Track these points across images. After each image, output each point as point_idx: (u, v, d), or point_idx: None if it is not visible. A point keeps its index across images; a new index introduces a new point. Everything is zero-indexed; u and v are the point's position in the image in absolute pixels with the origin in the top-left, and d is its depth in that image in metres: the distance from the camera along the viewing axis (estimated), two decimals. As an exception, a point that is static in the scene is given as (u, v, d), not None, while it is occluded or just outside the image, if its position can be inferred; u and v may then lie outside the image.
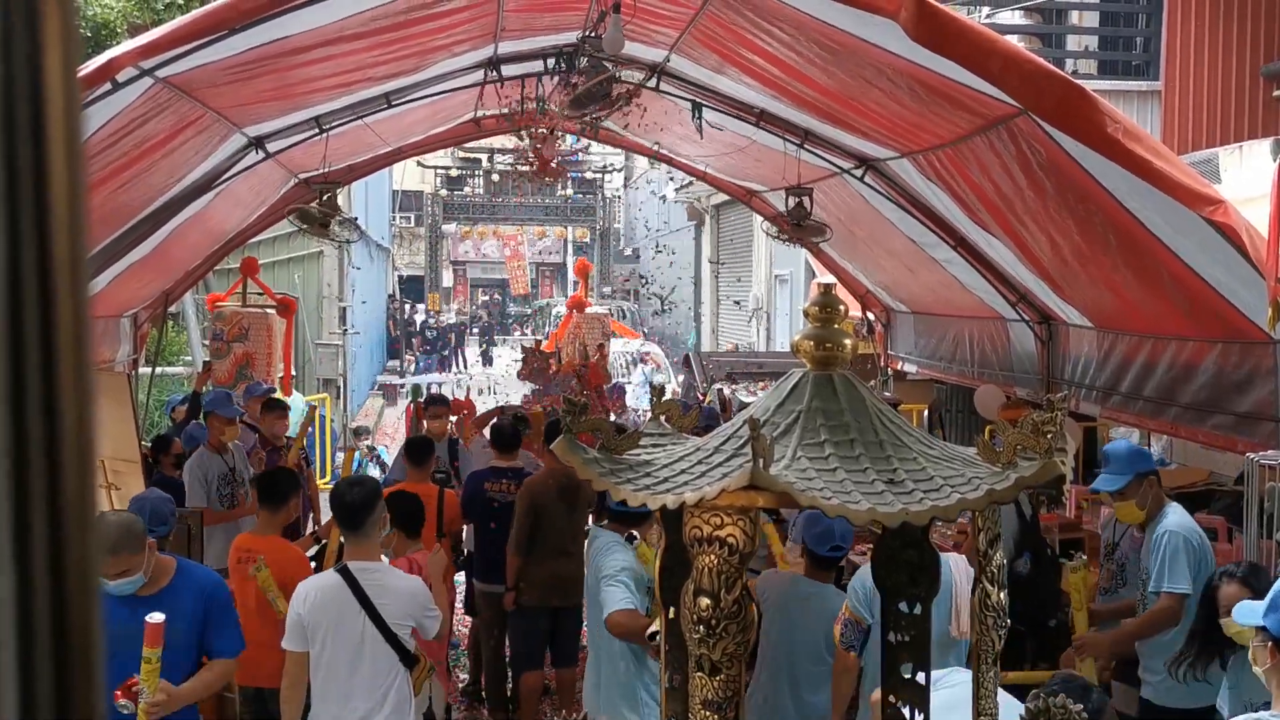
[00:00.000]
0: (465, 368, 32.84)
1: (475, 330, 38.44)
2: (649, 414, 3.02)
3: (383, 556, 5.22)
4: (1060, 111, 4.52)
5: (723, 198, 19.79)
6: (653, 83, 7.85)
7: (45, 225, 0.54)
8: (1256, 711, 3.29)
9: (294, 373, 13.95)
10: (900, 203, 7.94)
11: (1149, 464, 5.31)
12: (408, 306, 34.87)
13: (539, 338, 20.28)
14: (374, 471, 13.25)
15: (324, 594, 4.44)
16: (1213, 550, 5.21)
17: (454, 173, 38.41)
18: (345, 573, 4.45)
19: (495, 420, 8.27)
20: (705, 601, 2.31)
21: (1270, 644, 3.11)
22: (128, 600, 4.00)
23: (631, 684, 4.97)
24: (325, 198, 8.32)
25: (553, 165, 8.98)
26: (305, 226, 8.29)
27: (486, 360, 34.03)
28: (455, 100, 8.77)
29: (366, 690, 4.39)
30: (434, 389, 16.80)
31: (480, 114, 9.59)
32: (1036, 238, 6.46)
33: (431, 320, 34.89)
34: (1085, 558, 5.24)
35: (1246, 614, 3.27)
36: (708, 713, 2.37)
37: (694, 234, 27.85)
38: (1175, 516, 5.16)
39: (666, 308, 26.97)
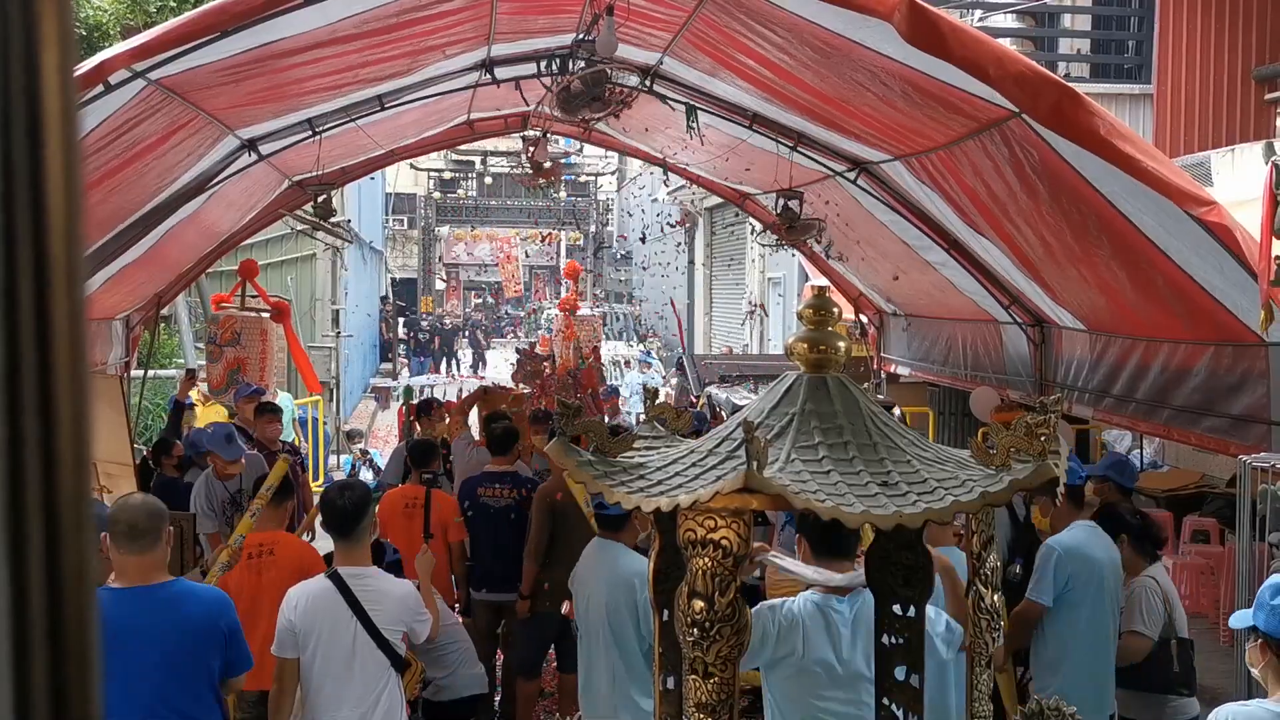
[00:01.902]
0: (459, 370, 32.79)
1: (465, 335, 38.18)
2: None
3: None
4: (1053, 114, 4.53)
5: (715, 200, 19.82)
6: (646, 85, 7.85)
7: (41, 226, 0.54)
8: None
9: (282, 376, 13.94)
10: (893, 205, 7.95)
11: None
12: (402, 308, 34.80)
13: (532, 340, 20.30)
14: (366, 475, 13.23)
15: (315, 600, 4.42)
16: (1111, 571, 5.15)
17: (447, 175, 38.41)
18: (336, 578, 4.44)
19: (489, 425, 8.20)
20: (699, 604, 2.31)
21: (1261, 641, 3.13)
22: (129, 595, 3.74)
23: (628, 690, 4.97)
24: (320, 200, 8.32)
25: (546, 167, 8.99)
26: (303, 228, 8.28)
27: (480, 363, 33.94)
28: (449, 103, 8.76)
29: (358, 696, 4.38)
30: (426, 392, 16.81)
31: (473, 117, 9.60)
32: (1029, 240, 6.47)
33: (425, 323, 34.83)
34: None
35: (1240, 619, 3.29)
36: (702, 715, 2.37)
37: (687, 237, 27.88)
38: (1066, 534, 5.21)
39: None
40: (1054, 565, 5.09)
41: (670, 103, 7.90)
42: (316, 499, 7.73)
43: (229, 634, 3.97)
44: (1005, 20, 12.18)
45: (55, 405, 0.54)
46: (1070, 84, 4.72)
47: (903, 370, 11.09)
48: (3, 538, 0.53)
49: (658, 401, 3.02)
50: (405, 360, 32.08)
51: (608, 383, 15.01)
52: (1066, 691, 4.90)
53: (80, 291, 0.55)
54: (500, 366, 28.58)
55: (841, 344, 2.65)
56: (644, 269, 29.72)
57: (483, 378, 28.07)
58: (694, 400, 13.58)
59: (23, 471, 0.53)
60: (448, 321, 36.10)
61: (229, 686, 4.12)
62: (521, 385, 11.84)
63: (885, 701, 2.82)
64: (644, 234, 26.21)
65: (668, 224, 27.44)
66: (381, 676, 4.43)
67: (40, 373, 0.54)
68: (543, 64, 7.78)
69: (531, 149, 9.14)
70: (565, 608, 6.24)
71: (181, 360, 15.10)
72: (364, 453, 15.35)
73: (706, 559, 2.31)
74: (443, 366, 32.69)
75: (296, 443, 12.86)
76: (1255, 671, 3.23)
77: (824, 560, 3.86)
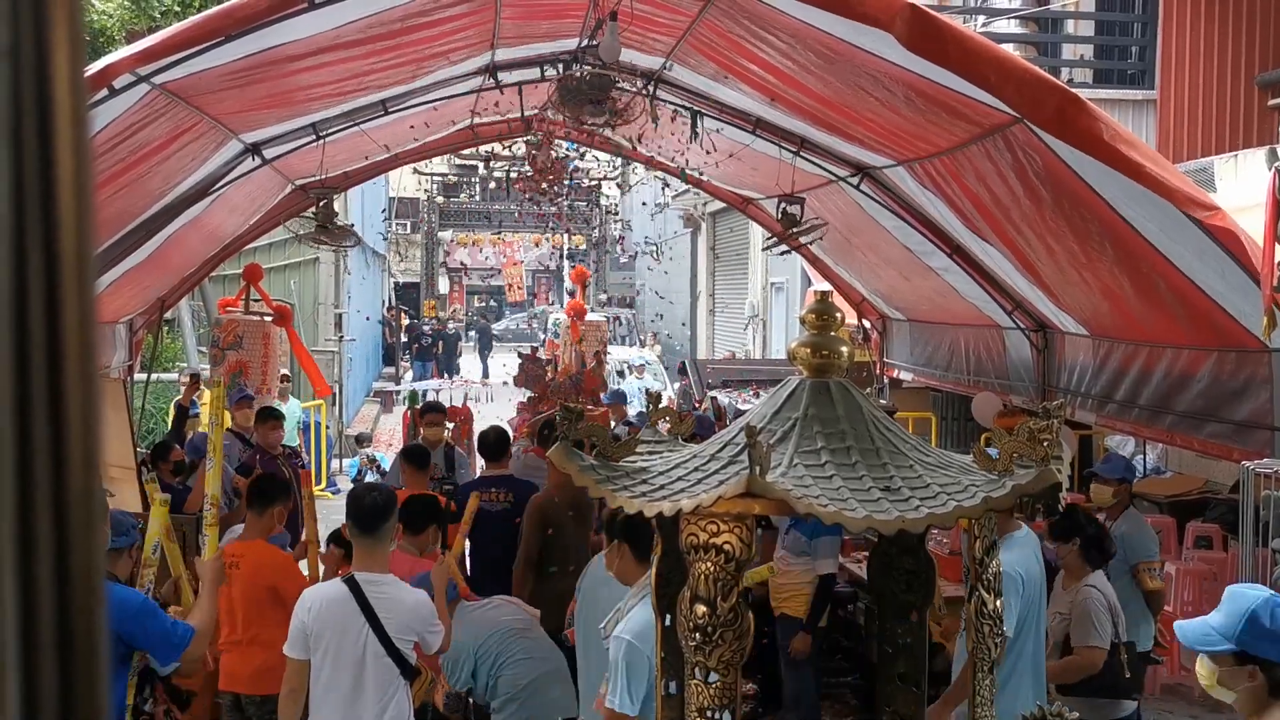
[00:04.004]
0: (459, 374, 32.70)
1: (467, 340, 37.88)
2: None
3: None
4: (1056, 119, 4.53)
5: (719, 205, 19.82)
6: (649, 92, 7.86)
7: (52, 226, 0.54)
8: None
9: (290, 378, 13.95)
10: (896, 211, 7.95)
11: None
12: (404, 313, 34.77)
13: (535, 344, 20.31)
14: (371, 479, 13.23)
15: (329, 604, 4.43)
16: (1042, 581, 5.02)
17: (451, 179, 38.39)
18: (351, 583, 4.44)
19: (483, 434, 8.12)
20: (702, 609, 2.31)
21: (1252, 667, 3.01)
22: None
23: None
24: (322, 204, 8.33)
25: (548, 170, 8.99)
26: (315, 238, 8.27)
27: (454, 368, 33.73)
28: (452, 107, 8.78)
29: (367, 702, 4.38)
30: (430, 396, 16.81)
31: (477, 121, 9.61)
32: (1033, 246, 6.47)
33: (427, 327, 34.78)
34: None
35: (1203, 638, 3.09)
36: None
37: (690, 241, 27.87)
38: (1014, 555, 4.88)
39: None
40: (1014, 590, 4.73)
41: (674, 108, 7.90)
42: (317, 503, 7.76)
43: (131, 636, 4.03)
44: (1008, 26, 12.19)
45: (65, 404, 0.54)
46: (1073, 89, 4.73)
47: (905, 375, 11.08)
48: (12, 537, 0.54)
49: (660, 406, 3.03)
50: (408, 365, 32.06)
51: (613, 387, 14.99)
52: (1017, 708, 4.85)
53: (90, 292, 0.56)
54: (498, 372, 28.52)
55: (844, 349, 2.66)
56: (649, 270, 29.62)
57: (487, 382, 28.06)
58: (696, 403, 13.57)
59: (32, 470, 0.54)
60: (451, 326, 36.02)
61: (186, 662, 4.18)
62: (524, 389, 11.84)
63: (887, 707, 2.82)
64: (656, 246, 25.72)
65: (675, 231, 27.31)
66: (391, 684, 4.43)
67: (50, 372, 0.54)
68: (546, 69, 7.80)
69: (534, 153, 9.15)
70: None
71: (184, 364, 15.11)
72: (371, 458, 15.30)
73: (709, 564, 2.31)
74: (447, 372, 32.62)
75: (299, 447, 12.86)
76: (1227, 693, 3.09)
77: None
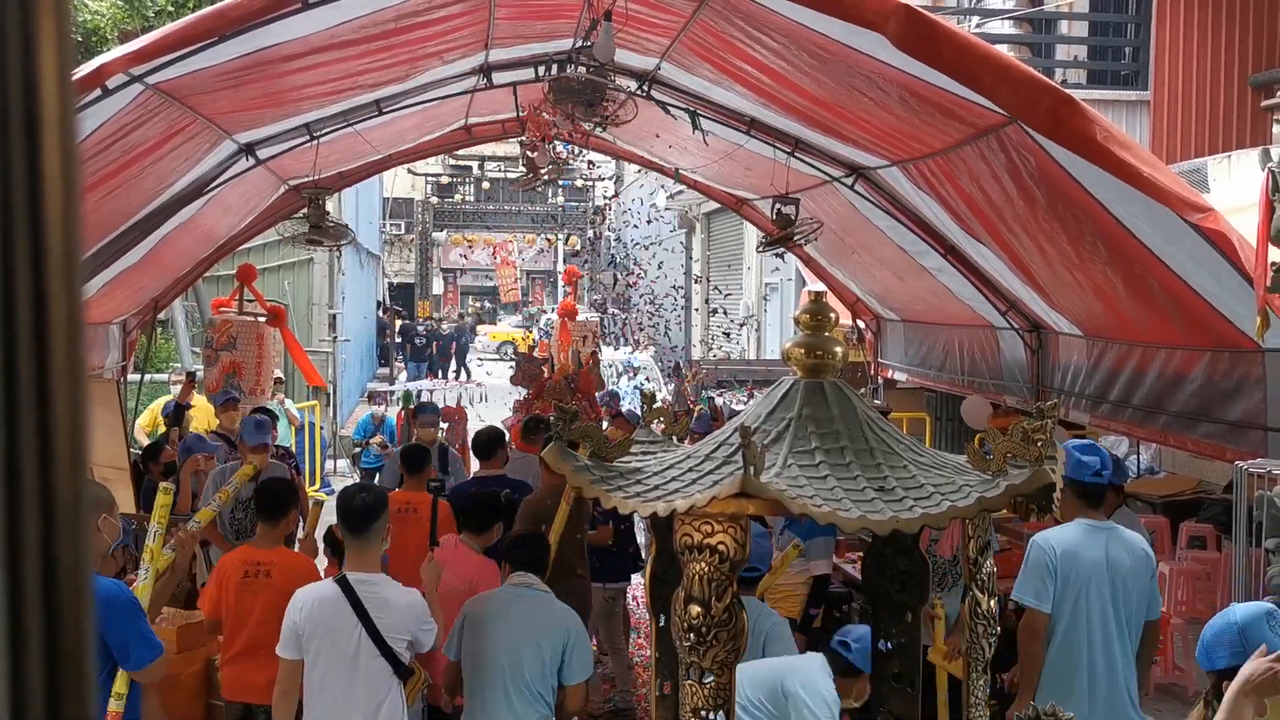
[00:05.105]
0: (452, 376, 32.60)
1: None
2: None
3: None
4: (1050, 121, 4.54)
5: (713, 205, 19.82)
6: (644, 93, 7.85)
7: (39, 227, 0.54)
8: None
9: (284, 380, 13.91)
10: (890, 211, 7.96)
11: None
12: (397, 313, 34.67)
13: (530, 345, 20.27)
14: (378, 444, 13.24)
15: (321, 604, 4.42)
16: (1112, 572, 4.84)
17: (445, 180, 38.38)
18: (343, 583, 4.44)
19: (476, 435, 8.09)
20: (696, 609, 2.31)
21: None
22: None
23: None
24: (314, 204, 8.32)
25: (544, 171, 8.99)
26: (309, 238, 8.25)
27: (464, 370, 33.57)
28: (446, 108, 8.77)
29: (360, 702, 4.38)
30: (424, 396, 16.74)
31: (471, 121, 9.61)
32: (1026, 246, 6.48)
33: (422, 328, 34.71)
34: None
35: None
36: (698, 720, 2.36)
37: (684, 241, 27.87)
38: (1056, 530, 4.93)
39: (657, 316, 26.46)
40: (1045, 565, 4.76)
41: (671, 110, 7.91)
42: (311, 504, 7.71)
43: (106, 632, 3.93)
44: (1002, 26, 12.21)
45: (52, 405, 0.54)
46: (1067, 90, 4.73)
47: (899, 375, 11.10)
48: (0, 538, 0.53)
49: (654, 406, 3.02)
50: (402, 365, 32.01)
51: (608, 387, 14.96)
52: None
53: (78, 292, 0.55)
54: (484, 375, 28.48)
55: (838, 349, 2.65)
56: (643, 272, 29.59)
57: (480, 384, 28.00)
58: (691, 404, 13.57)
59: (19, 471, 0.53)
60: (446, 327, 35.91)
61: (143, 675, 4.10)
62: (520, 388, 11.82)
63: (882, 708, 2.82)
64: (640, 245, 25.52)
65: (668, 229, 27.32)
66: (384, 684, 4.42)
67: (37, 373, 0.54)
68: (540, 69, 7.80)
69: (530, 153, 9.15)
70: None
71: (178, 364, 15.08)
72: (380, 417, 14.99)
73: (703, 564, 2.30)
74: (440, 372, 32.53)
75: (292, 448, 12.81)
76: None
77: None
